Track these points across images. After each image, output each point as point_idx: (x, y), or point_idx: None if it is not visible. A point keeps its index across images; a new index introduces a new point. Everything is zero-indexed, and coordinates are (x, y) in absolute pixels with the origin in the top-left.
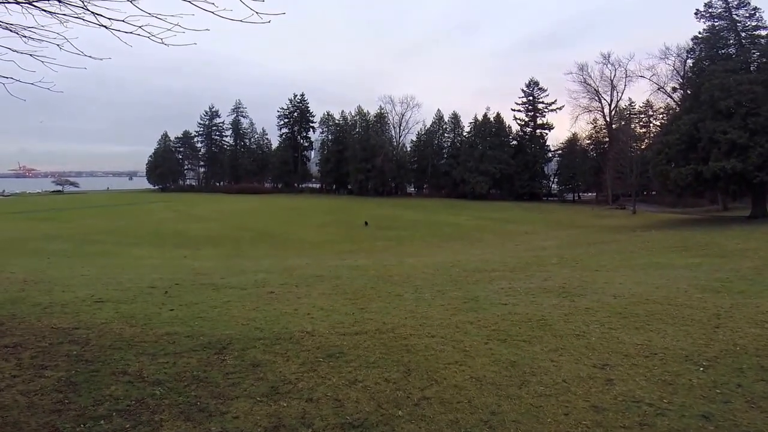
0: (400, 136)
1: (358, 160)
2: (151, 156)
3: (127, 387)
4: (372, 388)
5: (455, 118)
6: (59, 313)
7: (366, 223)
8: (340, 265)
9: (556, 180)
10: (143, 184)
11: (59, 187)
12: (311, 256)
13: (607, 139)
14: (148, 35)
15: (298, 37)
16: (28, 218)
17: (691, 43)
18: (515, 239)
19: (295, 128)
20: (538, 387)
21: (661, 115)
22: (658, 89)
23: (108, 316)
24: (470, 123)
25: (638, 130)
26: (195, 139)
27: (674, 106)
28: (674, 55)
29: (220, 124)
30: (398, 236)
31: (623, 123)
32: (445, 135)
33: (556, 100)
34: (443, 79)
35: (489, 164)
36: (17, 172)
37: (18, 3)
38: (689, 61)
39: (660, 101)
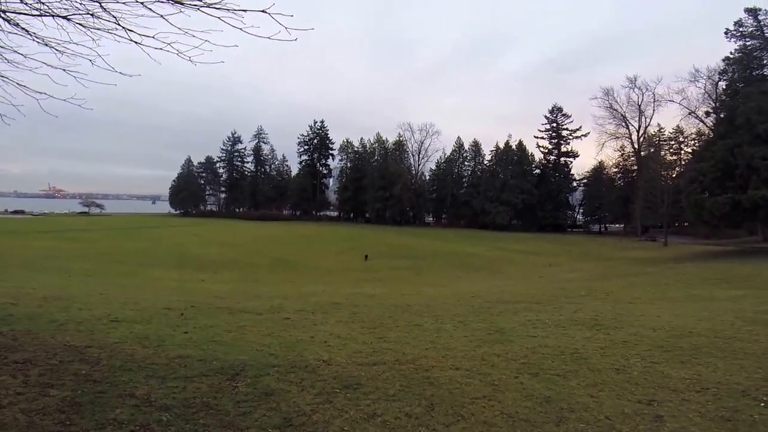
0: (419, 165)
1: (376, 188)
2: (174, 180)
3: (133, 411)
4: (392, 423)
5: (476, 146)
6: (74, 331)
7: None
8: (357, 293)
9: (581, 210)
10: (165, 207)
11: (86, 209)
12: (328, 284)
13: (635, 168)
14: (177, 52)
15: (318, 64)
16: (54, 237)
17: (722, 64)
18: (539, 271)
19: (315, 155)
20: (578, 424)
21: (692, 141)
22: (689, 114)
23: (122, 335)
24: (491, 151)
25: (668, 157)
26: (217, 165)
27: (707, 132)
28: (705, 77)
29: (242, 150)
30: (416, 266)
31: (652, 150)
32: (466, 163)
33: (580, 127)
34: (463, 105)
35: (511, 194)
36: (47, 192)
37: (53, 16)
38: (722, 84)
39: (691, 126)
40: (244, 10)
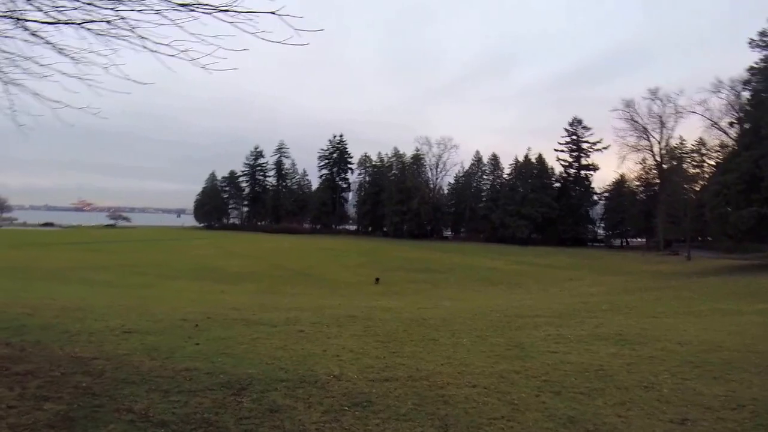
0: (437, 178)
1: (394, 202)
2: (199, 194)
3: (128, 427)
4: None
5: (495, 159)
6: (84, 342)
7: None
8: (372, 306)
9: (602, 224)
10: (190, 221)
11: (113, 222)
12: (344, 296)
13: (657, 181)
14: (191, 60)
15: (337, 79)
16: (81, 249)
17: (746, 74)
18: (559, 285)
19: (334, 169)
20: None
21: (715, 153)
22: (712, 125)
23: (132, 347)
24: (511, 164)
25: (691, 170)
26: (240, 179)
27: (730, 143)
28: (727, 87)
29: (264, 165)
30: (433, 279)
31: (674, 163)
32: (484, 177)
33: (601, 139)
34: (482, 119)
35: (530, 208)
36: (76, 205)
37: (67, 24)
38: (745, 94)
39: (714, 138)
40: (254, 12)
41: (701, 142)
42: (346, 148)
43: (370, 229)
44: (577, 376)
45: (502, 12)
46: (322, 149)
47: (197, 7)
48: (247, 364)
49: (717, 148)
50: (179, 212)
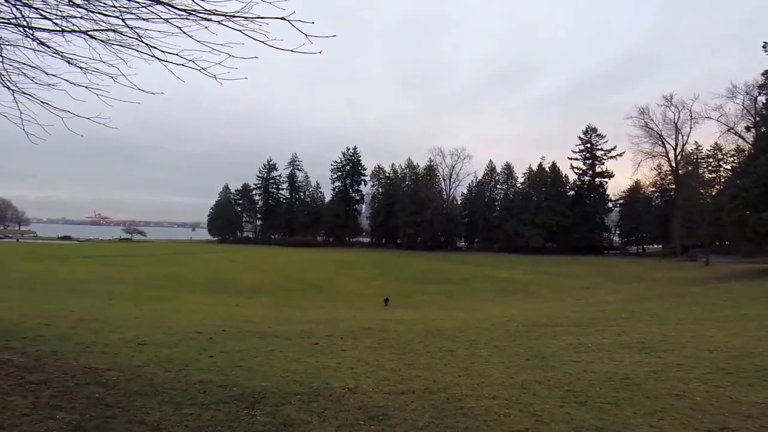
0: (450, 189)
1: (407, 213)
2: (212, 208)
3: None
4: None
5: (508, 168)
6: (99, 353)
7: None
8: (387, 318)
9: (617, 232)
10: (204, 234)
11: (128, 236)
12: (358, 309)
13: (673, 186)
14: (200, 69)
15: (349, 90)
16: (98, 263)
17: (761, 78)
18: (575, 294)
19: (347, 182)
20: None
21: (731, 158)
22: (728, 130)
23: (146, 359)
24: (524, 173)
25: (707, 175)
26: (253, 192)
27: (746, 148)
28: (743, 92)
29: (277, 177)
30: (447, 290)
31: (690, 168)
32: (498, 187)
33: (615, 147)
34: (495, 128)
35: (545, 216)
36: (93, 219)
37: (73, 32)
38: (761, 98)
39: (730, 143)
40: (263, 18)
41: (717, 147)
42: (359, 160)
43: (383, 241)
44: (602, 386)
45: (514, 21)
46: (335, 161)
47: (206, 15)
48: (261, 377)
49: (733, 153)
50: (194, 226)
